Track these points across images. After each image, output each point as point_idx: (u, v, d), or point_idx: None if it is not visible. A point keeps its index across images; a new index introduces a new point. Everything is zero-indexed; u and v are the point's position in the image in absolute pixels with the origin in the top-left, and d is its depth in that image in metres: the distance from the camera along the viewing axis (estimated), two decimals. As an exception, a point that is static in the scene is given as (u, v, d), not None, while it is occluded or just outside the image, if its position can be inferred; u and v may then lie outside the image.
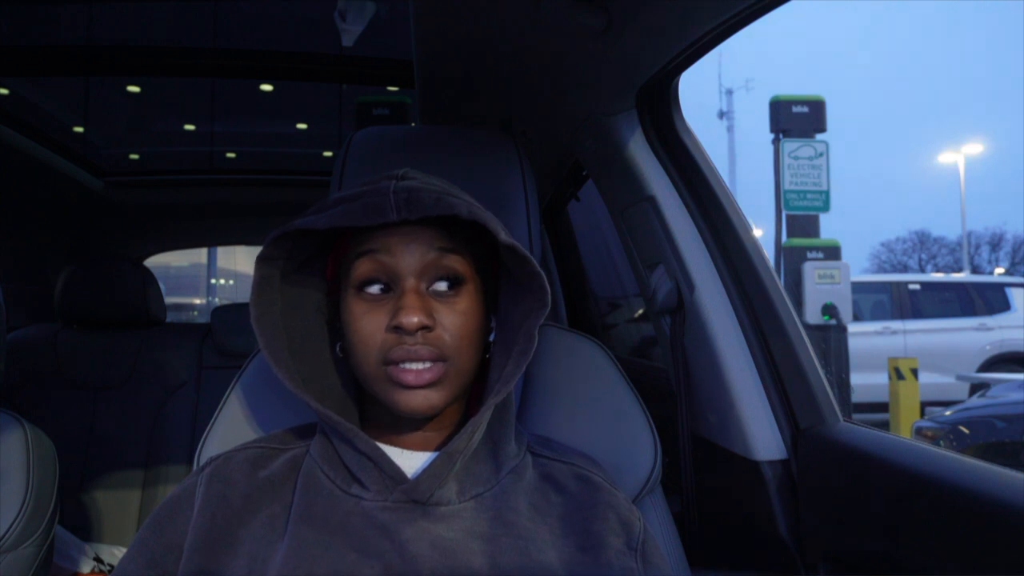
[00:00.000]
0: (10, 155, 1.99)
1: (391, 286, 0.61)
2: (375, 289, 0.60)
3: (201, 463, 0.66)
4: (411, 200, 0.58)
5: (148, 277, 1.98)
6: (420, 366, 0.58)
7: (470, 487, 0.61)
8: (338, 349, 0.66)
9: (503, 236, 0.59)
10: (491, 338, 0.66)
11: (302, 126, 3.20)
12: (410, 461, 0.62)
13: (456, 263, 0.62)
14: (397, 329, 0.58)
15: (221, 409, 0.78)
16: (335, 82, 2.66)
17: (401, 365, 0.58)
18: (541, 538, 0.60)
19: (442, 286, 0.61)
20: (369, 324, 0.59)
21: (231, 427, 0.76)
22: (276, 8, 2.52)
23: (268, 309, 0.62)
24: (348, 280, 0.62)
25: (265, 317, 0.62)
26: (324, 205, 0.61)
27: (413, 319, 0.57)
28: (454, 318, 0.60)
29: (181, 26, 2.54)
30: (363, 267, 0.60)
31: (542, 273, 0.61)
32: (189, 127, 3.18)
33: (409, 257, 0.60)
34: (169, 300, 5.31)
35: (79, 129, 2.83)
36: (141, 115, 3.02)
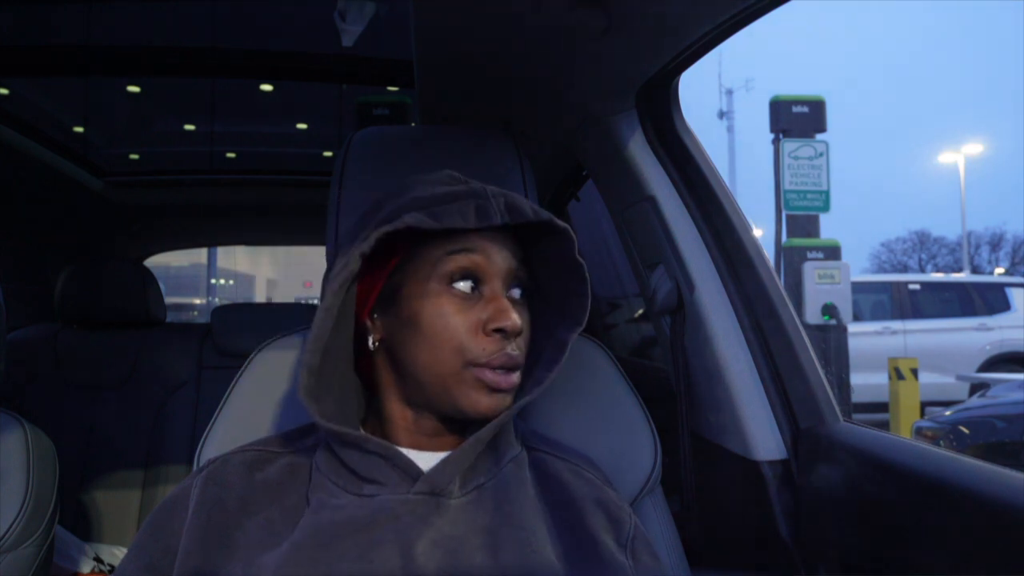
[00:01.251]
0: (10, 155, 1.99)
1: (478, 287, 0.61)
2: (466, 285, 0.60)
3: (200, 463, 0.66)
4: (511, 206, 0.59)
5: (148, 277, 1.98)
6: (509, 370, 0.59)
7: (471, 479, 0.61)
8: (372, 342, 0.63)
9: (577, 253, 0.61)
10: None
11: (302, 126, 3.19)
12: (421, 460, 0.61)
13: (525, 273, 0.63)
14: (496, 331, 0.58)
15: (221, 409, 0.78)
16: (335, 82, 2.66)
17: (494, 369, 0.58)
18: (540, 531, 0.60)
19: (516, 293, 0.62)
20: (462, 322, 0.59)
21: (231, 427, 0.76)
22: (276, 8, 2.52)
23: (335, 303, 0.59)
24: (433, 274, 0.60)
25: (330, 311, 0.58)
26: (415, 203, 0.59)
27: (518, 322, 0.58)
28: (526, 325, 0.62)
29: (181, 26, 2.54)
30: (458, 261, 0.60)
31: (589, 295, 0.62)
32: (189, 127, 3.17)
33: (502, 262, 0.61)
34: (169, 300, 5.31)
35: (79, 129, 2.82)
36: (141, 115, 3.01)
